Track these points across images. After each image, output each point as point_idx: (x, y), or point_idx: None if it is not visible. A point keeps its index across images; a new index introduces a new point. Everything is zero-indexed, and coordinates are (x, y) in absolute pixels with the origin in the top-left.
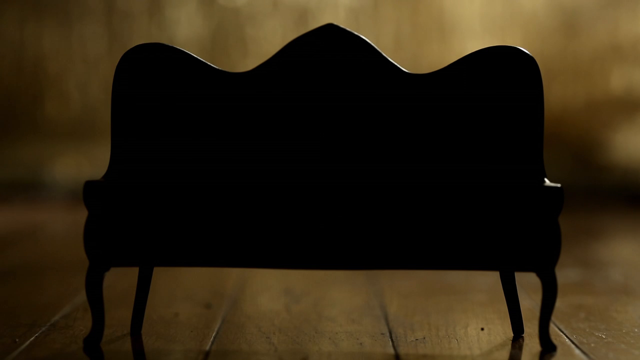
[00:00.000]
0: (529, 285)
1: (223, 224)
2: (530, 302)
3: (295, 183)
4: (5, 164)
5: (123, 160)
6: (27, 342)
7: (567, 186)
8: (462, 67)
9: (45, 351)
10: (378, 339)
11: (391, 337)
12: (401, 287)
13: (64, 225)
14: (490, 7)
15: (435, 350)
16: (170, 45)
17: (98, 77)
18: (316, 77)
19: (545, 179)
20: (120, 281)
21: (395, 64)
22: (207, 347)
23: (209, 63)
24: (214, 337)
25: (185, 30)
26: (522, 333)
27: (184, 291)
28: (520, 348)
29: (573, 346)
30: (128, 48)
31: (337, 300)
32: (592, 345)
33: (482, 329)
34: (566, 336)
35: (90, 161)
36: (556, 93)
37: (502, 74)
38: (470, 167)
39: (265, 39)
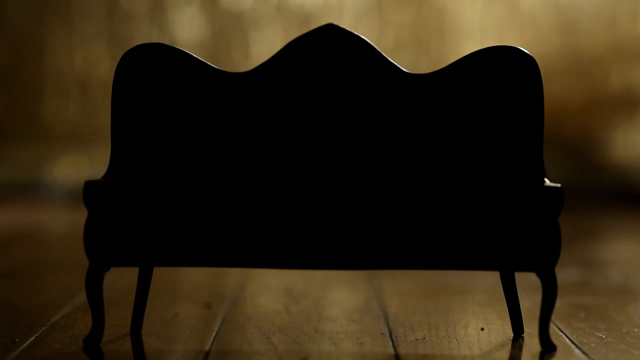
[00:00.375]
0: (529, 285)
1: (223, 224)
2: (530, 302)
3: (295, 183)
4: (5, 164)
5: (123, 160)
6: (27, 342)
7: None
8: (462, 67)
9: (45, 351)
10: (378, 339)
11: (391, 337)
12: (401, 287)
13: (64, 225)
14: (490, 8)
15: (435, 350)
16: (170, 45)
17: (98, 78)
18: (316, 77)
19: (545, 179)
20: (120, 281)
21: (395, 64)
22: (207, 347)
23: (209, 63)
24: (214, 337)
25: (188, 32)
26: (522, 333)
27: (184, 291)
28: (520, 348)
29: (573, 346)
30: (129, 49)
31: (337, 300)
32: (592, 345)
33: (482, 329)
34: (566, 336)
35: (90, 161)
36: (556, 93)
37: (502, 74)
38: (470, 167)
39: (268, 42)
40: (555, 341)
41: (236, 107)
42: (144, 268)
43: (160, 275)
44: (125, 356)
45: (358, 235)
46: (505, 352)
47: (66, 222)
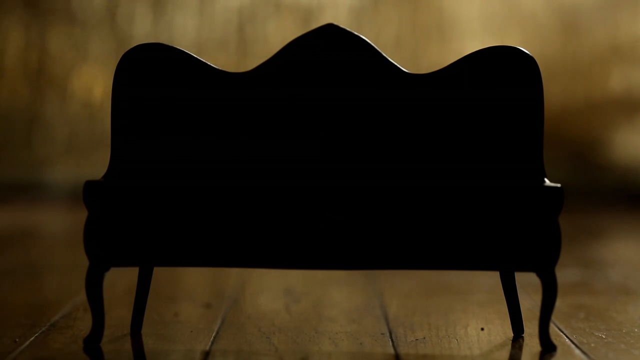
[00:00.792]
0: (529, 285)
1: (223, 224)
2: (530, 302)
3: (295, 183)
4: (5, 164)
5: (123, 160)
6: (27, 342)
7: (567, 186)
8: (462, 67)
9: (45, 351)
10: (378, 339)
11: (391, 337)
12: (401, 287)
13: (64, 225)
14: (490, 7)
15: (435, 350)
16: (170, 45)
17: (99, 78)
18: (316, 77)
19: (545, 179)
20: (120, 281)
21: (395, 64)
22: (207, 347)
23: (209, 63)
24: (214, 337)
25: (187, 32)
26: (522, 333)
27: (184, 291)
28: (520, 348)
29: (573, 346)
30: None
31: (337, 300)
32: (592, 345)
33: (482, 329)
34: (566, 336)
35: (90, 161)
36: (556, 93)
37: (502, 74)
38: (470, 167)
39: (266, 40)
40: (555, 341)
41: (236, 107)
42: (144, 268)
43: (160, 275)
44: (125, 356)
45: (358, 235)
46: (505, 352)
47: (66, 222)
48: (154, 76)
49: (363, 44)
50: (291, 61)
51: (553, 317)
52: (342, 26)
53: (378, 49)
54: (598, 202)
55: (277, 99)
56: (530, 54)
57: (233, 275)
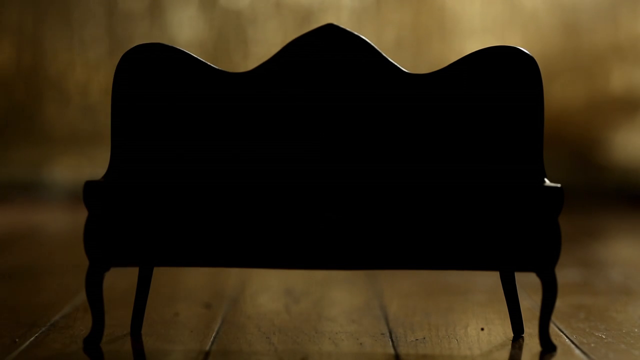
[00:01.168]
0: (529, 285)
1: (223, 224)
2: (530, 302)
3: (295, 183)
4: (5, 164)
5: (123, 160)
6: (27, 342)
7: (567, 186)
8: (462, 67)
9: (45, 351)
10: (378, 339)
11: (391, 337)
12: (401, 287)
13: (64, 225)
14: (490, 7)
15: (435, 350)
16: (170, 45)
17: (99, 78)
18: (316, 77)
19: (545, 179)
20: (120, 281)
21: (395, 64)
22: (207, 347)
23: (208, 63)
24: (214, 337)
25: (187, 32)
26: (522, 333)
27: (184, 291)
28: (520, 348)
29: (573, 346)
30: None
31: (337, 300)
32: (592, 345)
33: (482, 329)
34: (566, 336)
35: (90, 161)
36: (556, 93)
37: (502, 74)
38: (470, 167)
39: (267, 41)
40: (555, 341)
41: (236, 107)
42: (144, 268)
43: (160, 275)
44: (125, 356)
45: (358, 235)
46: (505, 352)
47: (66, 222)
48: (154, 76)
49: (363, 44)
50: (291, 61)
51: (553, 317)
52: (342, 26)
53: (378, 49)
54: (598, 202)
55: (277, 99)
56: (531, 54)
57: (233, 275)
